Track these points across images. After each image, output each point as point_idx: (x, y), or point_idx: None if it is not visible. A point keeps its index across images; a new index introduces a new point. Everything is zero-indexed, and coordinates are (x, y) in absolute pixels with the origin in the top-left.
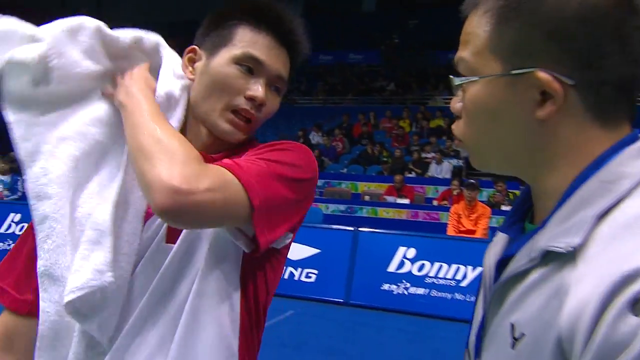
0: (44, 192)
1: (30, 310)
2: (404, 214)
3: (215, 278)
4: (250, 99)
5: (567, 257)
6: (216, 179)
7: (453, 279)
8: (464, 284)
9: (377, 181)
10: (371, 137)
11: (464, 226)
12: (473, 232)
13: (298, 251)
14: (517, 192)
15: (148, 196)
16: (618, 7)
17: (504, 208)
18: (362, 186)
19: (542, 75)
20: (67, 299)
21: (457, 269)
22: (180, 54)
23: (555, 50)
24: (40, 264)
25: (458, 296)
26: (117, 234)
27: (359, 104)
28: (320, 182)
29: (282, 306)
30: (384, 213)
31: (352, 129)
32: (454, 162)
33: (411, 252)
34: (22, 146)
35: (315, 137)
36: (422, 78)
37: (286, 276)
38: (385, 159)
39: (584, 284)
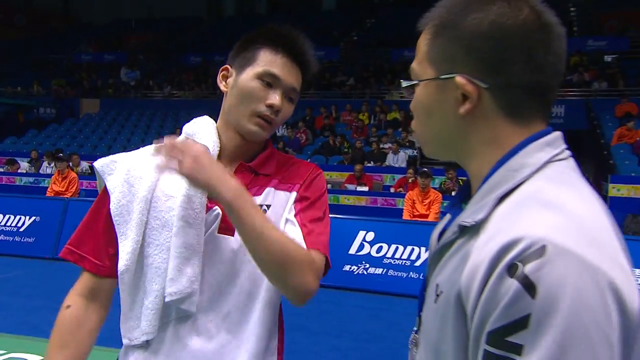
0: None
1: (109, 274)
2: (363, 201)
3: None
4: (270, 106)
5: (474, 230)
6: (321, 267)
7: (408, 259)
8: (417, 263)
9: (338, 170)
10: (332, 130)
11: (417, 211)
12: (426, 216)
13: None
14: (466, 179)
15: (291, 293)
16: (524, 26)
17: (454, 194)
18: (325, 175)
19: (460, 79)
20: (167, 299)
21: (412, 250)
22: (148, 50)
23: (471, 60)
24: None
25: (413, 275)
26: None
27: (321, 98)
28: None
29: None
30: (345, 200)
31: (315, 122)
32: (409, 152)
33: (370, 236)
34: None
35: (280, 130)
36: (380, 73)
37: None
38: (345, 150)
39: (479, 251)
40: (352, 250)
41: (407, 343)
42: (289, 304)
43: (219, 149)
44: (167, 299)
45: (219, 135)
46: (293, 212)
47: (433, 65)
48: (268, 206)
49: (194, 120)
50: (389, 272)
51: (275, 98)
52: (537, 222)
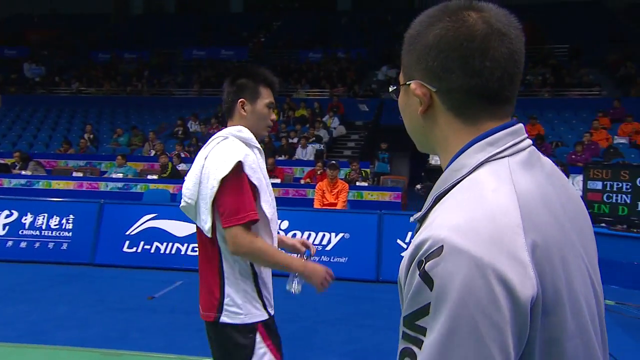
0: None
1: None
2: (276, 192)
3: None
4: (272, 120)
5: (417, 226)
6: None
7: (320, 244)
8: (328, 248)
9: None
10: None
11: (327, 200)
12: (335, 204)
13: (183, 229)
14: (368, 170)
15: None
16: (460, 37)
17: (358, 184)
18: None
19: (412, 85)
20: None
21: (323, 236)
22: (53, 46)
23: (422, 68)
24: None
25: (324, 258)
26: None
27: None
28: None
29: (171, 278)
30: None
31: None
32: (317, 146)
33: (284, 224)
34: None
35: (193, 126)
36: (287, 73)
37: (173, 251)
38: None
39: (409, 246)
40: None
41: (320, 321)
42: None
43: None
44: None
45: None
46: None
47: (404, 73)
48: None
49: (240, 128)
50: (302, 256)
51: (273, 116)
52: (443, 223)
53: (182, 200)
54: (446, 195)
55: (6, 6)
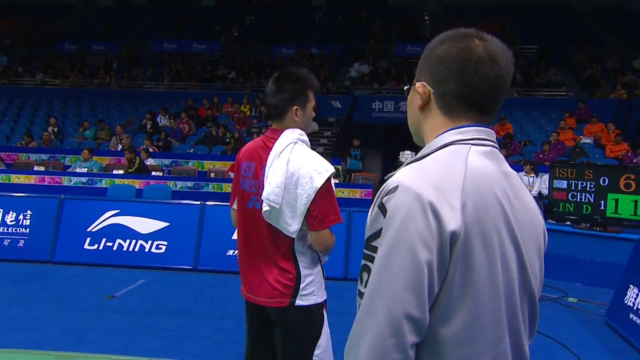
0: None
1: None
2: None
3: None
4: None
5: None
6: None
7: None
8: None
9: (221, 160)
10: (215, 120)
11: None
12: None
13: (147, 225)
14: (339, 166)
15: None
16: (460, 56)
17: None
18: (208, 164)
19: (418, 85)
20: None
21: None
22: (16, 35)
23: (428, 74)
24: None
25: None
26: None
27: (203, 89)
28: (167, 162)
29: (133, 276)
30: (228, 188)
31: (198, 113)
32: None
33: None
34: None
35: (163, 120)
36: (259, 68)
37: (137, 249)
38: (228, 140)
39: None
40: (236, 236)
41: None
42: None
43: None
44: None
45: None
46: None
47: (416, 77)
48: None
49: (301, 132)
50: None
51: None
52: (405, 173)
53: (264, 205)
54: (413, 163)
55: None
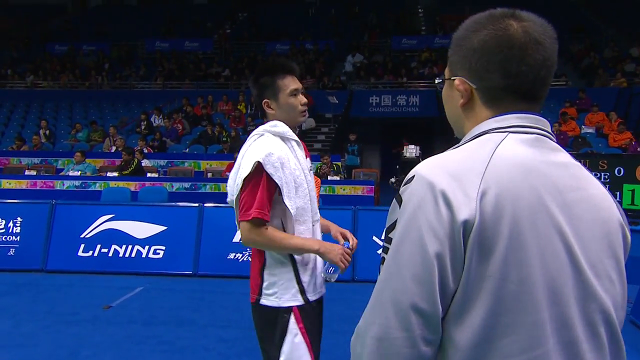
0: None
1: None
2: None
3: None
4: (303, 104)
5: None
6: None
7: None
8: None
9: (218, 159)
10: (210, 119)
11: None
12: None
13: (144, 230)
14: (339, 163)
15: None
16: (501, 44)
17: (330, 178)
18: (204, 164)
19: (457, 81)
20: (314, 223)
21: None
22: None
23: (466, 68)
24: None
25: None
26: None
27: (197, 88)
28: (163, 162)
29: (130, 283)
30: (225, 188)
31: (192, 112)
32: None
33: None
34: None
35: (157, 120)
36: (254, 65)
37: (133, 254)
38: (224, 139)
39: None
40: (237, 238)
41: None
42: None
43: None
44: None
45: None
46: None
47: (449, 70)
48: (311, 167)
49: (275, 123)
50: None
51: (303, 99)
52: (424, 162)
53: (228, 195)
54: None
55: None
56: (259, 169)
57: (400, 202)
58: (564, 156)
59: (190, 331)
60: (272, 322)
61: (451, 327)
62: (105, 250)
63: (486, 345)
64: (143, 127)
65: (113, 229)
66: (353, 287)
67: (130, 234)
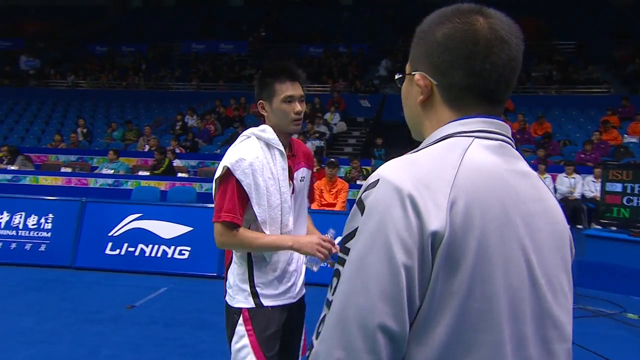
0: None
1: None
2: None
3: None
4: (297, 113)
5: None
6: None
7: None
8: None
9: None
10: (242, 121)
11: (325, 200)
12: (334, 205)
13: (170, 230)
14: (369, 168)
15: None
16: (465, 40)
17: (359, 182)
18: None
19: (417, 76)
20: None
21: None
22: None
23: (428, 63)
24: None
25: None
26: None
27: (230, 90)
28: (194, 163)
29: (155, 283)
30: None
31: (225, 113)
32: (317, 142)
33: None
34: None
35: (190, 121)
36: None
37: (159, 254)
38: None
39: None
40: None
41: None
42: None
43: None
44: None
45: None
46: (309, 185)
47: (410, 64)
48: (304, 177)
49: (264, 127)
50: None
51: (297, 108)
52: (387, 165)
53: None
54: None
55: None
56: (228, 173)
57: (362, 208)
58: (524, 165)
59: (210, 335)
60: (228, 320)
61: (412, 346)
62: (132, 249)
63: (453, 348)
64: (178, 128)
65: (140, 228)
66: None
67: (157, 233)
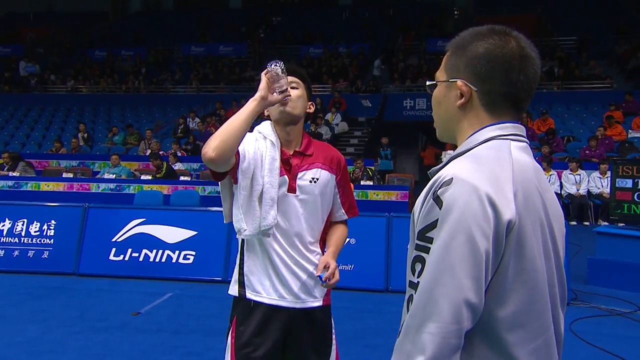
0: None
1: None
2: None
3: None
4: (281, 92)
5: (432, 177)
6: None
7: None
8: None
9: None
10: None
11: None
12: None
13: (175, 234)
14: (372, 167)
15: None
16: (506, 55)
17: (363, 182)
18: None
19: (460, 82)
20: (263, 228)
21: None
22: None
23: (469, 71)
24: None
25: None
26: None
27: (231, 92)
28: (196, 166)
29: (160, 289)
30: None
31: (226, 115)
32: None
33: None
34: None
35: (192, 123)
36: None
37: (163, 259)
38: None
39: (426, 187)
40: None
41: None
42: None
43: (278, 138)
44: (262, 229)
45: (275, 130)
46: (337, 192)
47: (446, 73)
48: (317, 179)
49: (264, 123)
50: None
51: (289, 93)
52: (457, 166)
53: None
54: (458, 157)
55: (3, 4)
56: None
57: (440, 203)
58: (535, 163)
59: (220, 342)
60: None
61: (493, 306)
62: (136, 254)
63: (520, 328)
64: (179, 131)
65: (144, 233)
66: (388, 298)
67: (161, 238)
